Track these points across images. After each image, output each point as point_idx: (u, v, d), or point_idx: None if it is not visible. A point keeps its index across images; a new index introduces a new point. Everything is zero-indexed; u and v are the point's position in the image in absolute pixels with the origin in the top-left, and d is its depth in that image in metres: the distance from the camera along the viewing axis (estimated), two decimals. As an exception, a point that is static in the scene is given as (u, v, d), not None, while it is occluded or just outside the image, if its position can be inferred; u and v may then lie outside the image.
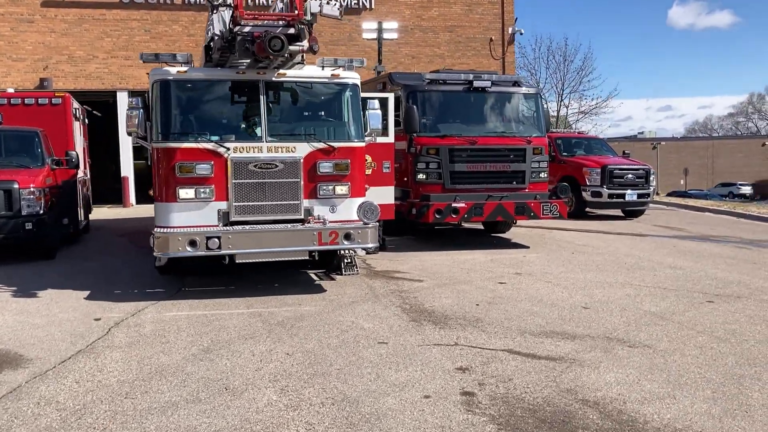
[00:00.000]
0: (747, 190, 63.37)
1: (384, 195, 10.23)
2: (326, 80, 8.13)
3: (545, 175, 12.03)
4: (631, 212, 16.90)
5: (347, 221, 7.96)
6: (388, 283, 8.53)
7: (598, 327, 6.50)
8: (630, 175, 16.09)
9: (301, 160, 7.82)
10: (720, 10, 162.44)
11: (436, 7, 24.88)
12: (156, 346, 5.70)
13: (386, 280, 8.81)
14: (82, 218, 13.13)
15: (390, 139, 10.32)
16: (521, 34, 25.62)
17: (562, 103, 33.47)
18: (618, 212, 17.23)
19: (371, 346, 5.76)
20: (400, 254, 10.91)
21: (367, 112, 8.41)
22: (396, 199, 11.64)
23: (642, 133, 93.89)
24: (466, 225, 14.23)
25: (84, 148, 15.24)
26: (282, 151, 7.76)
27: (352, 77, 8.28)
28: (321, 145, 7.93)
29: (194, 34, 22.56)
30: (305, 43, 7.31)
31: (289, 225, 7.67)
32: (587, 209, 16.55)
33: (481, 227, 13.88)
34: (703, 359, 5.51)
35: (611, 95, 42.85)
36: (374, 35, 19.95)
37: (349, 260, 9.05)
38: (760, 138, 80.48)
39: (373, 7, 24.17)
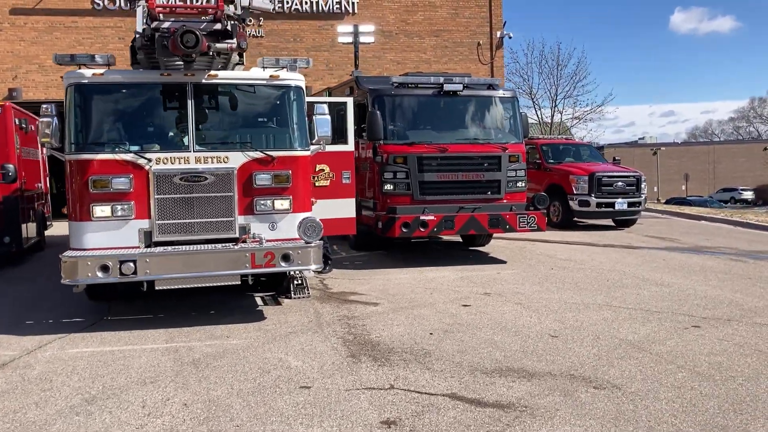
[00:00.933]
0: (749, 195, 62.44)
1: (344, 208, 9.38)
2: (264, 82, 7.29)
3: (523, 184, 11.17)
4: (623, 222, 16.01)
5: (288, 240, 7.11)
6: (339, 308, 7.66)
7: (563, 361, 5.62)
8: (620, 183, 15.21)
9: (235, 172, 6.96)
10: (722, 16, 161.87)
11: (421, 11, 24.09)
12: (33, 395, 4.83)
13: (338, 303, 7.94)
14: (32, 235, 12.29)
15: (349, 147, 9.47)
16: (510, 38, 24.83)
17: (556, 108, 32.66)
18: (609, 222, 16.33)
19: (290, 392, 4.88)
20: (363, 272, 10.05)
21: (314, 117, 7.56)
22: (369, 211, 10.83)
23: (643, 138, 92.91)
24: (445, 238, 13.37)
25: (42, 160, 14.44)
26: (213, 162, 6.91)
27: (295, 79, 7.45)
28: (258, 155, 7.07)
29: (170, 41, 21.77)
30: (233, 41, 6.49)
31: (220, 245, 6.81)
32: (576, 219, 15.66)
33: (460, 240, 13.01)
34: (680, 404, 4.63)
35: (606, 100, 41.94)
36: (350, 39, 19.12)
37: (299, 281, 8.19)
38: (761, 142, 79.58)
39: (356, 11, 23.38)
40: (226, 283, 6.82)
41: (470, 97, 11.02)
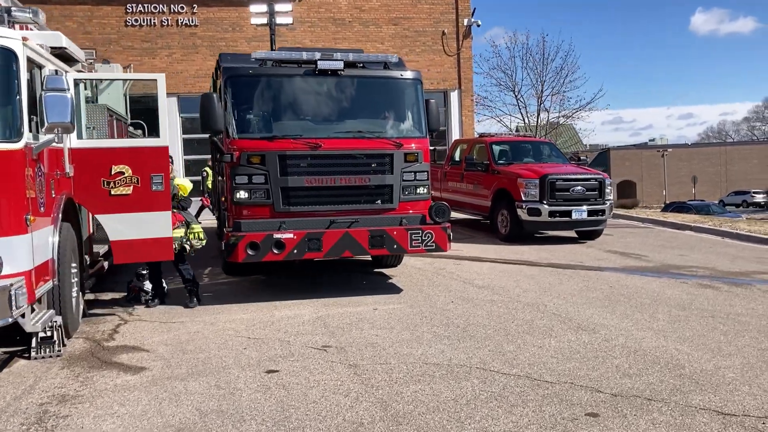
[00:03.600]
0: (761, 198, 59.31)
1: (154, 224, 6.97)
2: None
3: (425, 190, 8.66)
4: (587, 233, 13.42)
5: (-26, 278, 4.69)
6: (71, 381, 5.19)
7: None
8: (578, 188, 12.61)
9: None
10: (744, 17, 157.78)
11: (378, -4, 21.65)
12: None
13: (87, 368, 5.48)
14: None
15: (162, 141, 7.06)
16: (478, 26, 22.26)
17: (542, 106, 29.99)
18: (572, 233, 13.73)
19: None
20: (194, 311, 7.61)
21: (43, 96, 5.15)
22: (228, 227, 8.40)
23: (653, 140, 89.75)
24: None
25: None
26: None
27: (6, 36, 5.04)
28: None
29: (91, 32, 19.57)
30: None
31: None
32: (531, 231, 13.04)
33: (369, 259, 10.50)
34: None
35: (596, 97, 38.92)
36: (264, 20, 16.63)
37: (48, 333, 5.76)
38: (777, 143, 76.19)
39: (304, -3, 21.02)
40: None
41: (356, 79, 8.54)
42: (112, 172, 6.79)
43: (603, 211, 12.76)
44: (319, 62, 8.24)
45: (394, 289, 8.53)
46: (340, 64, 8.29)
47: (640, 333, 6.38)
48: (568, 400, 4.62)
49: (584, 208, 12.56)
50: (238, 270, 9.47)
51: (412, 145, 8.56)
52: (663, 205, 36.97)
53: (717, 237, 14.01)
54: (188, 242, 7.79)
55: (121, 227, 6.83)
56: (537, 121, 30.48)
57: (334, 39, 21.06)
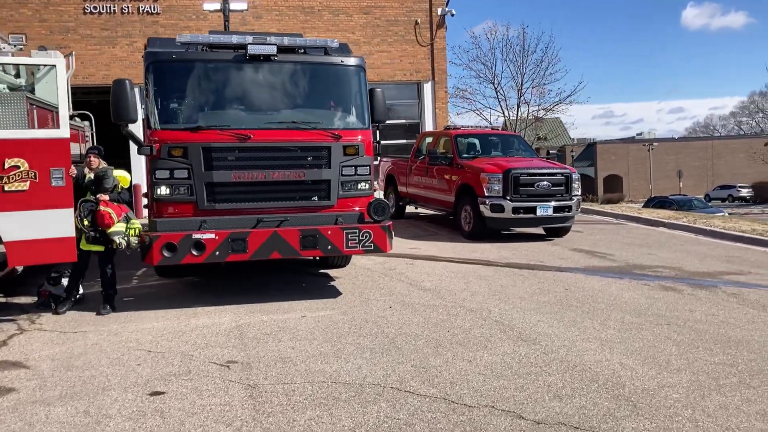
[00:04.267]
0: (747, 192, 59.17)
1: (54, 223, 6.31)
2: None
3: (367, 185, 8.02)
4: (554, 230, 12.83)
5: None
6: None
7: None
8: (544, 183, 12.00)
9: None
10: (735, 12, 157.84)
11: (349, -16, 20.94)
12: None
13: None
14: None
15: (62, 133, 6.39)
16: (452, 15, 21.60)
17: (522, 98, 29.35)
18: (540, 230, 13.14)
19: None
20: (116, 316, 6.97)
21: None
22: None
23: (641, 134, 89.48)
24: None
25: None
26: None
27: None
28: None
29: (47, 20, 18.75)
30: None
31: None
32: (498, 228, 12.42)
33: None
34: None
35: (576, 90, 38.16)
36: (217, 5, 15.87)
37: None
38: (762, 138, 76.15)
39: (272, -16, 20.29)
40: None
41: (291, 65, 7.88)
42: (6, 166, 6.12)
43: (570, 208, 12.17)
44: (249, 47, 7.57)
45: (333, 293, 7.91)
46: (272, 49, 7.63)
47: (585, 344, 5.79)
48: (481, 429, 4.02)
49: (550, 204, 11.97)
50: (172, 271, 8.82)
51: (357, 137, 7.92)
52: (644, 201, 36.48)
53: (690, 234, 13.48)
54: (126, 238, 7.09)
55: (17, 227, 6.16)
56: (517, 114, 29.89)
57: (303, 28, 20.33)
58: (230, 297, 7.72)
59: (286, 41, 7.84)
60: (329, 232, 7.25)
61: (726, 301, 7.45)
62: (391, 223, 7.62)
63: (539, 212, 11.90)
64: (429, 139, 15.06)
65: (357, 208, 7.79)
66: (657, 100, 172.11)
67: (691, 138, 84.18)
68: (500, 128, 29.71)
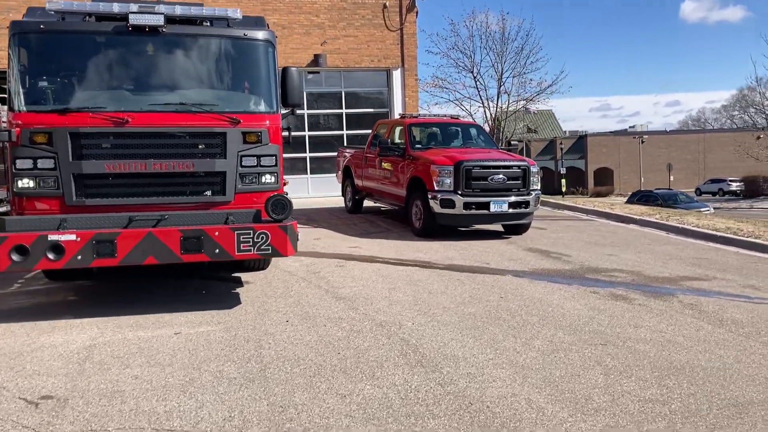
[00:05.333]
0: (737, 186, 58.35)
1: None
2: None
3: (272, 178, 6.97)
4: (513, 228, 11.80)
5: None
6: None
7: None
8: (499, 176, 10.95)
9: None
10: (733, 5, 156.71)
11: (312, -37, 19.80)
12: None
13: None
14: None
15: None
16: (423, -2, 20.54)
17: (503, 88, 28.26)
18: (498, 227, 12.10)
19: None
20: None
21: None
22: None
23: (633, 127, 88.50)
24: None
25: None
26: None
27: None
28: None
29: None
30: None
31: None
32: (449, 225, 11.35)
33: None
34: None
35: (558, 79, 36.91)
36: None
37: None
38: (753, 131, 75.38)
39: (231, -36, 19.11)
40: None
41: (185, 38, 6.82)
42: None
43: (527, 203, 11.13)
44: (131, 17, 6.50)
45: (230, 303, 6.86)
46: (159, 19, 6.57)
47: (495, 371, 4.78)
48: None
49: (505, 199, 10.94)
50: (62, 274, 7.76)
51: (262, 122, 6.87)
52: (629, 194, 35.49)
53: (661, 232, 12.49)
54: None
55: None
56: (497, 104, 28.82)
57: (264, 11, 19.19)
58: (109, 306, 6.67)
59: (179, 10, 6.78)
60: (217, 233, 6.18)
61: (680, 314, 6.45)
62: (294, 222, 6.56)
63: (493, 208, 10.86)
64: (384, 129, 14.00)
65: (231, 205, 6.74)
66: (654, 93, 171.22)
67: (683, 131, 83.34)
68: (486, 123, 28.66)
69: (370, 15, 20.20)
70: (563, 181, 64.95)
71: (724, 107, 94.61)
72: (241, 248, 6.26)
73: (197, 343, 5.45)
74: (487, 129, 28.42)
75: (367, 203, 15.02)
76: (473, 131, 13.35)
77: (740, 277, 8.32)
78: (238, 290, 7.45)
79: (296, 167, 20.33)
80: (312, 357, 5.11)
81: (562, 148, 65.38)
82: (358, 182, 14.54)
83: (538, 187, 11.51)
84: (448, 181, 10.83)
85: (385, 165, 12.90)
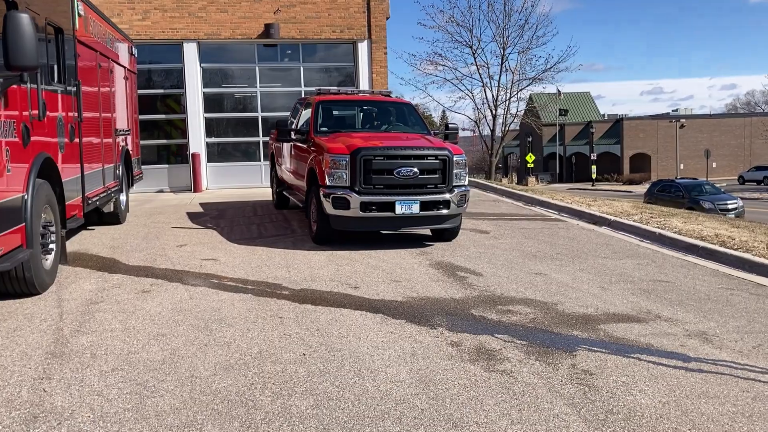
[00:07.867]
0: (785, 174, 53.92)
1: None
2: None
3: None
4: (441, 233, 9.37)
5: None
6: None
7: None
8: (408, 169, 8.49)
9: None
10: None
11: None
12: None
13: None
14: None
15: None
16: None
17: (506, 65, 25.45)
18: (426, 231, 9.70)
19: None
20: None
21: None
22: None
23: (676, 110, 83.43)
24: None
25: None
26: None
27: None
28: None
29: None
30: None
31: None
32: (346, 230, 8.97)
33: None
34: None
35: (565, 55, 33.47)
36: None
37: None
38: (807, 113, 70.00)
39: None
40: None
41: None
42: None
43: (446, 203, 8.66)
44: None
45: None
46: None
47: None
48: None
49: (416, 198, 8.51)
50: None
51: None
52: (651, 183, 32.23)
53: (632, 239, 9.88)
54: None
55: None
56: (498, 83, 26.03)
57: (209, -25, 17.04)
58: None
59: None
60: None
61: (554, 394, 4.02)
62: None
63: (399, 209, 8.45)
64: (307, 108, 11.65)
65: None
66: (708, 76, 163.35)
67: (728, 115, 78.06)
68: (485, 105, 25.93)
69: (334, -18, 17.79)
70: (593, 167, 61.25)
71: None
72: None
73: None
74: (489, 115, 25.76)
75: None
76: (401, 112, 10.80)
77: (695, 317, 5.79)
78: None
79: (249, 152, 18.23)
80: None
81: (593, 133, 61.85)
82: (279, 172, 12.29)
83: (466, 183, 9.03)
84: (344, 174, 8.47)
85: (294, 152, 10.62)
